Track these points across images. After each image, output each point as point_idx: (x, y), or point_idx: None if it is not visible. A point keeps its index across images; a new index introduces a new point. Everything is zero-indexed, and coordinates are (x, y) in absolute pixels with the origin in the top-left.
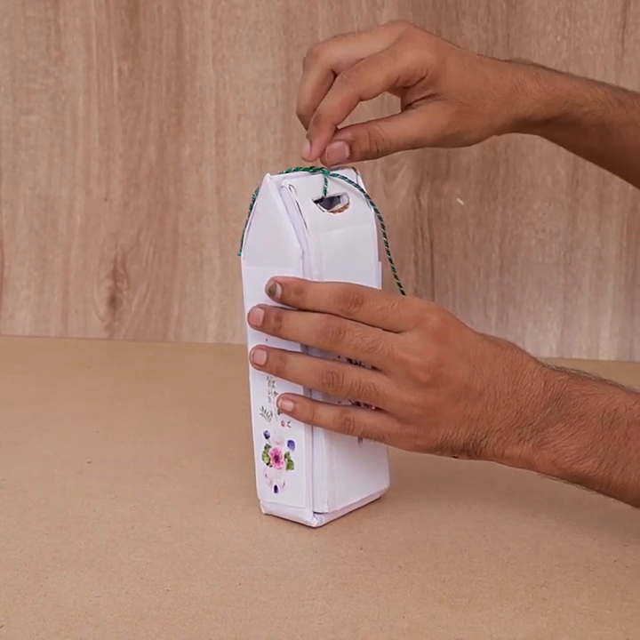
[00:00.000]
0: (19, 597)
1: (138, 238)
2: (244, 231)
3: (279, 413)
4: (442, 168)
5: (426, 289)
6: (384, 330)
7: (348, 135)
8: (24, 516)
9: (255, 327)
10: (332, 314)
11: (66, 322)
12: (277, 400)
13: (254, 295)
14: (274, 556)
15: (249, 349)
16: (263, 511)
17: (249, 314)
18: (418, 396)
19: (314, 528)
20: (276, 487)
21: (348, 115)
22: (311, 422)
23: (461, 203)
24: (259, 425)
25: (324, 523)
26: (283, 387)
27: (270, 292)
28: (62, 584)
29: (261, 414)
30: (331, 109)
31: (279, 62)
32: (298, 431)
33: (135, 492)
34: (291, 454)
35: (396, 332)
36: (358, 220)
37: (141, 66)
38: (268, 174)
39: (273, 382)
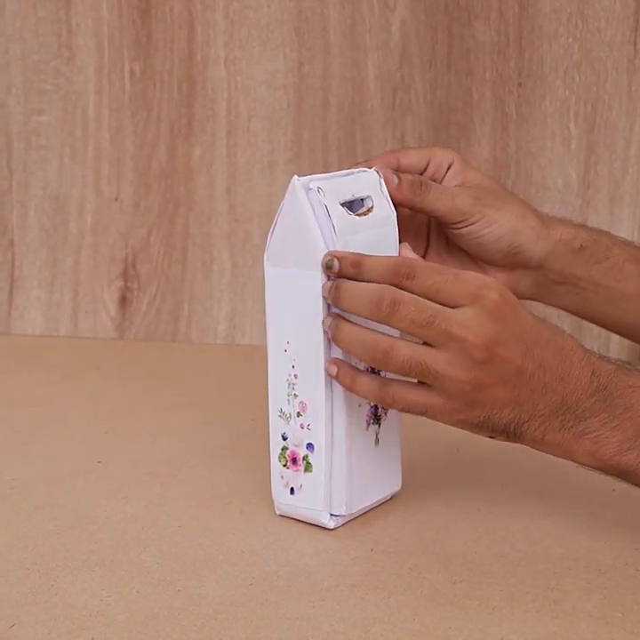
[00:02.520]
0: (30, 597)
1: (148, 238)
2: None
3: (298, 416)
4: None
5: None
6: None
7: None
8: (34, 516)
9: (326, 299)
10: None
11: (76, 322)
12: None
13: (277, 296)
14: (284, 557)
15: None
16: (277, 512)
17: (322, 287)
18: (469, 374)
19: (325, 529)
20: (292, 489)
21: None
22: (350, 389)
23: None
24: (276, 426)
25: (340, 525)
26: (303, 390)
27: (327, 267)
28: (73, 583)
29: (280, 416)
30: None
31: (291, 63)
32: (318, 434)
33: (145, 492)
34: (309, 457)
35: (451, 307)
36: (381, 223)
37: (153, 66)
38: (296, 176)
39: (293, 385)
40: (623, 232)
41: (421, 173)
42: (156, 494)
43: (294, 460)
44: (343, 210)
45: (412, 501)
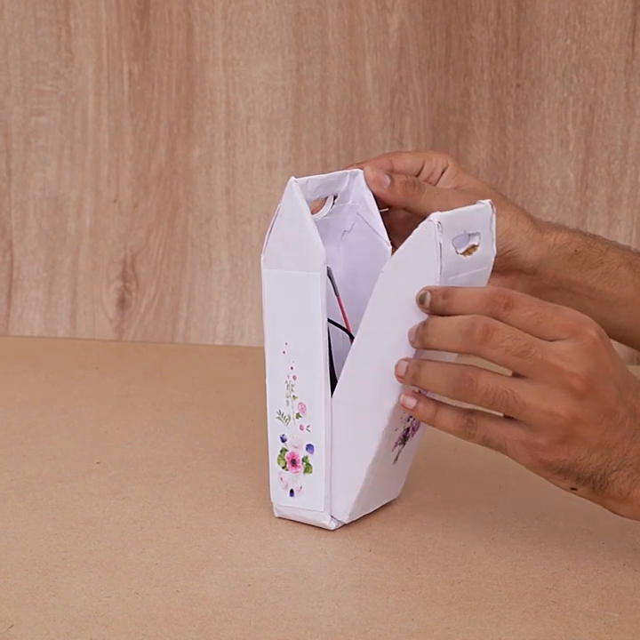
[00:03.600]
0: (28, 597)
1: (147, 240)
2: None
3: (298, 417)
4: None
5: None
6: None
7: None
8: (33, 517)
9: (412, 344)
10: None
11: (74, 323)
12: (400, 396)
13: (275, 298)
14: (283, 558)
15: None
16: (276, 514)
17: (408, 331)
18: (563, 407)
19: (324, 530)
20: (291, 491)
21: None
22: (432, 423)
23: None
24: (275, 428)
25: (340, 526)
26: (302, 391)
27: (420, 301)
28: (72, 584)
29: (278, 418)
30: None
31: (289, 64)
32: (318, 435)
33: (144, 493)
34: (309, 458)
35: (548, 340)
36: (480, 264)
37: (151, 68)
38: (293, 177)
39: (292, 386)
40: (621, 233)
41: (416, 176)
42: (155, 495)
43: (294, 462)
44: (453, 249)
45: (411, 502)
